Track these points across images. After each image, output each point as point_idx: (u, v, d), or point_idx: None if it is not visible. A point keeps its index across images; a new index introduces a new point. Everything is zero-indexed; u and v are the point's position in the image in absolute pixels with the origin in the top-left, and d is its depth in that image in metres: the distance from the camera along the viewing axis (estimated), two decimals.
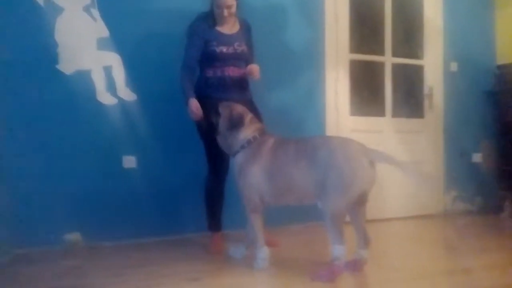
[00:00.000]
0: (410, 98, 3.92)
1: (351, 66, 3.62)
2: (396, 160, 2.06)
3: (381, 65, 3.75)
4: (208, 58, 2.60)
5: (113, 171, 2.81)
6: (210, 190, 2.68)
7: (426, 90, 3.89)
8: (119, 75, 2.87)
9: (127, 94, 2.87)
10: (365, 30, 3.74)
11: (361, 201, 2.04)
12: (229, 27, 2.66)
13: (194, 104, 2.47)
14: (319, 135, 2.42)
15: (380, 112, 3.74)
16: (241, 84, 2.69)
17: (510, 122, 3.77)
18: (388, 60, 3.74)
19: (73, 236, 2.69)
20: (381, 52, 3.73)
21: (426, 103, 3.88)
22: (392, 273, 2.13)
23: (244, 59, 2.69)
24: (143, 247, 2.68)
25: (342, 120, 3.54)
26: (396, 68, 3.78)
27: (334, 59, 3.50)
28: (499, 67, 3.96)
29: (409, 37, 3.91)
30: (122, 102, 2.85)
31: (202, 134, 2.60)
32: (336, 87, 3.52)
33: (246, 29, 2.76)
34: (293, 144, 2.16)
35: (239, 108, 2.35)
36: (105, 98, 2.83)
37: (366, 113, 3.68)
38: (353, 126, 3.58)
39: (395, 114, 3.77)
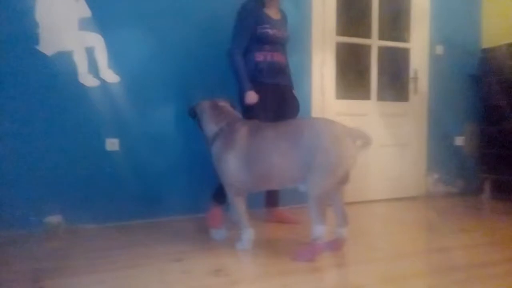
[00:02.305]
0: (396, 81, 3.94)
1: (338, 48, 3.61)
2: (369, 139, 2.06)
3: (367, 48, 3.74)
4: (259, 41, 2.62)
5: (96, 154, 2.78)
6: None
7: (411, 73, 3.91)
8: (102, 56, 2.82)
9: (110, 76, 2.83)
10: (352, 12, 3.73)
11: (342, 181, 2.07)
12: (275, 12, 2.73)
13: (252, 97, 2.56)
14: (300, 118, 2.42)
15: (366, 95, 3.76)
16: (285, 71, 2.78)
17: (493, 106, 3.82)
18: (375, 43, 3.74)
19: (55, 219, 2.67)
20: (367, 34, 3.72)
21: (411, 86, 3.91)
22: (373, 253, 2.18)
23: (285, 45, 2.80)
24: (126, 230, 2.68)
25: (328, 103, 3.55)
26: (382, 51, 3.78)
27: (321, 42, 3.49)
28: (484, 50, 3.99)
29: (396, 20, 3.91)
30: (104, 84, 2.81)
31: (248, 117, 2.58)
32: (322, 70, 3.51)
33: (284, 17, 2.85)
34: (271, 129, 2.15)
35: (203, 104, 2.46)
36: (87, 80, 2.78)
37: (351, 96, 3.69)
38: (338, 109, 3.60)
39: (380, 98, 3.79)
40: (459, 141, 4.07)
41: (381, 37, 3.76)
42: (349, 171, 2.06)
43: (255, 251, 2.17)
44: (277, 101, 2.72)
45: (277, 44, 2.69)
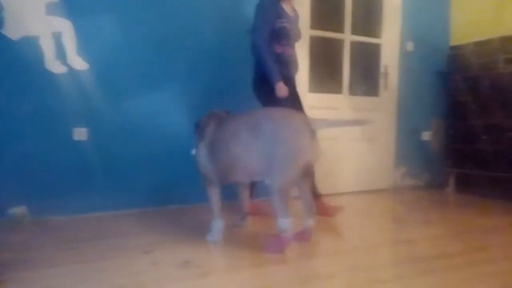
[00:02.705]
0: (367, 76, 4.01)
1: (311, 42, 3.63)
2: (334, 121, 2.10)
3: (340, 42, 3.78)
4: (277, 35, 2.63)
5: (63, 144, 2.70)
6: None
7: (382, 69, 3.98)
8: (70, 42, 2.73)
9: (78, 63, 2.74)
10: (326, 6, 3.75)
11: (306, 173, 2.07)
12: (290, 9, 2.74)
13: (284, 89, 2.56)
14: (261, 109, 2.40)
15: (338, 90, 3.81)
16: (296, 64, 2.83)
17: (459, 102, 3.95)
18: (347, 37, 3.78)
19: (19, 210, 2.59)
20: (340, 29, 3.76)
21: (381, 81, 3.99)
22: (341, 244, 2.23)
23: (296, 42, 2.82)
24: (94, 221, 2.63)
25: (301, 96, 3.56)
26: (354, 46, 3.83)
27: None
28: (452, 48, 4.11)
29: (369, 16, 3.97)
30: (72, 71, 2.72)
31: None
32: None
33: (297, 16, 2.86)
34: (235, 120, 2.14)
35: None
36: (55, 67, 2.69)
37: (324, 90, 3.73)
38: (311, 103, 3.62)
39: (352, 92, 3.85)
40: (426, 135, 4.19)
41: (354, 32, 3.81)
42: (311, 163, 2.05)
43: (226, 242, 2.17)
44: (294, 95, 2.73)
45: (292, 39, 2.73)
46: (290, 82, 2.71)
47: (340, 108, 3.78)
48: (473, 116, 3.81)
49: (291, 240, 2.04)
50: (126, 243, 2.15)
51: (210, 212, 2.26)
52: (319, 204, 2.78)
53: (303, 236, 2.19)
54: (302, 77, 3.56)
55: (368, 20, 3.97)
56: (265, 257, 1.95)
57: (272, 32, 2.62)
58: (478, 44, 3.78)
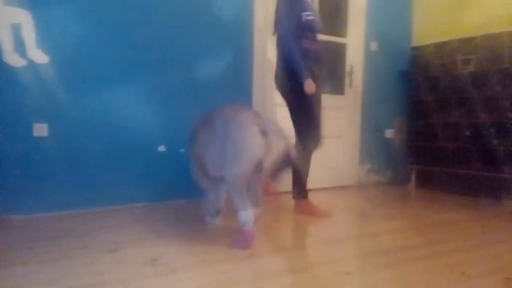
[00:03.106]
0: (333, 75, 4.09)
1: None
2: (283, 136, 2.11)
3: None
4: (304, 29, 2.56)
5: (23, 140, 2.59)
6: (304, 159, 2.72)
7: (347, 68, 4.07)
8: (29, 34, 2.61)
9: (38, 56, 2.63)
10: None
11: (257, 168, 2.12)
12: (310, 0, 2.69)
13: (312, 85, 2.50)
14: (220, 107, 2.40)
15: None
16: (322, 60, 2.78)
17: (420, 101, 4.10)
18: None
19: None
20: None
21: (347, 80, 4.07)
22: (307, 239, 2.27)
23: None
24: (57, 220, 2.54)
25: (269, 94, 3.59)
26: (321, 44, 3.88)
27: (263, 30, 3.51)
28: (414, 48, 4.25)
29: (334, 15, 4.04)
30: (32, 64, 2.61)
31: (304, 105, 2.60)
32: (264, 60, 3.54)
33: (313, 7, 2.79)
34: (205, 117, 2.25)
35: None
36: (13, 60, 2.57)
37: None
38: (279, 100, 3.65)
39: None
40: (389, 133, 4.32)
41: (320, 30, 3.85)
42: (261, 159, 2.12)
43: (195, 239, 2.16)
44: (320, 90, 2.72)
45: (316, 32, 2.68)
46: (317, 79, 2.65)
47: None
48: (433, 114, 3.97)
49: (254, 232, 2.05)
50: (90, 242, 2.09)
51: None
52: (306, 204, 2.80)
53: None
54: (270, 74, 3.58)
55: (334, 20, 4.04)
56: (233, 253, 1.96)
57: (299, 26, 2.55)
58: (438, 45, 3.94)
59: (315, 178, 3.91)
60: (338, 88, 4.07)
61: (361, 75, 4.12)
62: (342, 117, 4.04)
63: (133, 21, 2.91)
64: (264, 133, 2.05)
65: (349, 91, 4.09)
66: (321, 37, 3.80)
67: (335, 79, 4.08)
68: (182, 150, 3.11)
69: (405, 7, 4.38)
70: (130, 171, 2.93)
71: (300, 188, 2.81)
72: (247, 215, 2.01)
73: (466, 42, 3.68)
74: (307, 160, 2.75)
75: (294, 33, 2.53)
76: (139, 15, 2.93)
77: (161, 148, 3.05)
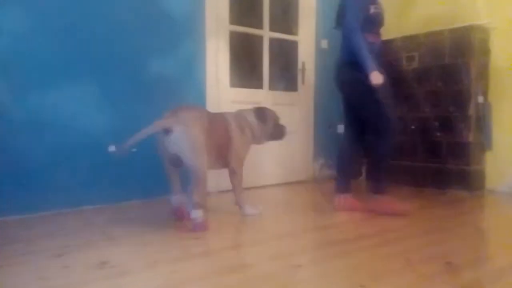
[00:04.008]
0: (286, 72, 4.14)
1: (231, 37, 3.66)
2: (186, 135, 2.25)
3: (259, 38, 3.86)
4: (371, 22, 2.50)
5: None
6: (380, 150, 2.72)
7: (299, 65, 4.14)
8: None
9: None
10: (245, 2, 3.80)
11: (172, 163, 2.38)
12: None
13: (379, 76, 2.44)
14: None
15: (258, 85, 3.88)
16: (382, 55, 2.72)
17: None
18: (266, 34, 3.87)
19: None
20: (259, 25, 3.84)
21: (299, 77, 4.15)
22: (262, 234, 2.28)
23: None
24: (1, 226, 2.40)
25: (222, 91, 3.59)
26: (273, 42, 3.93)
27: (215, 30, 3.49)
28: None
29: (286, 13, 4.09)
30: None
31: (374, 99, 2.54)
32: (217, 58, 3.53)
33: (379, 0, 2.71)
34: None
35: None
36: None
37: (245, 85, 3.78)
38: (233, 97, 3.66)
39: (272, 87, 3.95)
40: (341, 129, 4.44)
41: (272, 28, 3.91)
42: (169, 156, 2.31)
43: (145, 240, 2.12)
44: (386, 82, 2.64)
45: (380, 26, 2.63)
46: (381, 73, 2.59)
47: (262, 103, 3.86)
48: None
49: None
50: (36, 248, 1.99)
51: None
52: (384, 202, 2.74)
53: (182, 213, 2.44)
54: (223, 71, 3.58)
55: (286, 17, 4.09)
56: (186, 252, 1.94)
57: (365, 19, 2.50)
58: (384, 42, 4.06)
59: (269, 174, 3.97)
60: (290, 85, 4.13)
61: (313, 72, 4.20)
62: (295, 114, 4.11)
63: (79, 16, 2.80)
64: (167, 130, 2.23)
65: (302, 88, 4.16)
66: (274, 34, 3.88)
67: (288, 76, 4.14)
68: (134, 150, 3.03)
69: None
70: (79, 173, 2.82)
71: (381, 183, 2.78)
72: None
73: (410, 40, 3.86)
74: (389, 154, 2.78)
75: (360, 27, 2.50)
76: (85, 10, 2.82)
77: (112, 148, 2.95)
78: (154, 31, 3.14)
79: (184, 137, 2.22)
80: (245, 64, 3.89)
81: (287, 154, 4.05)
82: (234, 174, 2.61)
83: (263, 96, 3.88)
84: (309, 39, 4.16)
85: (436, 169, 3.69)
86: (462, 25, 3.53)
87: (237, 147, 2.58)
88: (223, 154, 2.54)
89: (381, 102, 2.57)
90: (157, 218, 2.59)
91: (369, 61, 2.46)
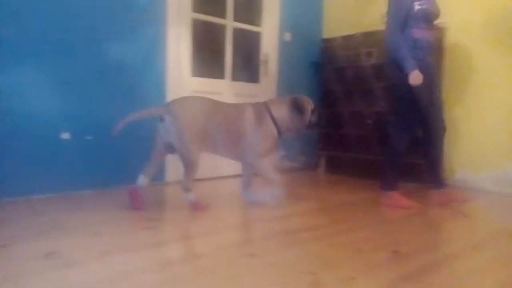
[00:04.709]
0: (248, 63, 4.13)
1: (194, 26, 3.60)
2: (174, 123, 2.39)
3: (222, 28, 3.82)
4: (416, 18, 2.49)
5: None
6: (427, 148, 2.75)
7: (262, 57, 4.14)
8: None
9: None
10: None
11: (168, 150, 2.52)
12: None
13: (418, 76, 2.47)
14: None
15: (220, 75, 3.85)
16: (433, 49, 2.67)
17: (329, 91, 4.33)
18: (230, 23, 3.84)
19: None
20: (223, 15, 3.79)
21: (262, 69, 4.15)
22: (215, 224, 2.28)
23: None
24: None
25: (184, 80, 3.53)
26: (236, 32, 3.91)
27: (176, 17, 3.42)
28: (324, 40, 4.45)
29: (250, 4, 4.07)
30: None
31: (415, 99, 2.57)
32: (178, 46, 3.46)
33: None
34: None
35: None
36: None
37: (207, 75, 3.74)
38: (194, 87, 3.61)
39: (234, 78, 3.93)
40: None
41: (236, 18, 3.88)
42: (166, 144, 2.47)
43: (98, 230, 2.06)
44: (435, 80, 2.67)
45: (431, 21, 2.60)
46: (428, 69, 2.60)
47: (223, 93, 3.84)
48: (341, 104, 4.21)
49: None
50: None
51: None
52: (445, 193, 2.80)
53: (137, 195, 2.51)
54: (185, 60, 3.52)
55: (249, 8, 4.07)
56: (139, 242, 1.91)
57: (410, 16, 2.51)
58: (345, 38, 4.17)
59: (228, 165, 3.95)
60: (253, 76, 4.13)
61: (276, 64, 4.22)
62: None
63: None
64: (161, 118, 2.40)
65: (264, 80, 4.17)
66: (237, 24, 3.85)
67: (250, 67, 4.14)
68: (89, 138, 2.94)
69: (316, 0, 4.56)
70: (28, 160, 2.69)
71: (437, 177, 2.80)
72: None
73: (369, 36, 3.95)
74: (437, 150, 2.75)
75: (402, 24, 2.53)
76: None
77: (65, 135, 2.85)
78: (113, 16, 3.04)
79: (173, 126, 2.36)
80: (208, 53, 3.85)
81: None
82: (254, 168, 2.63)
83: (225, 87, 3.85)
84: (272, 31, 4.16)
85: None
86: None
87: (253, 139, 2.55)
88: (236, 145, 2.54)
89: (419, 102, 2.60)
90: (110, 208, 2.53)
91: (408, 61, 2.50)
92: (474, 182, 3.54)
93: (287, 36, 4.26)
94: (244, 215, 2.55)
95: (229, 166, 3.92)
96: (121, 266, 1.61)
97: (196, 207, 2.48)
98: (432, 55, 2.69)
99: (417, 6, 2.54)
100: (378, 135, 3.91)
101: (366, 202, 3.00)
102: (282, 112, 2.62)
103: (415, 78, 2.50)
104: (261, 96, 4.13)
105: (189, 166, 2.43)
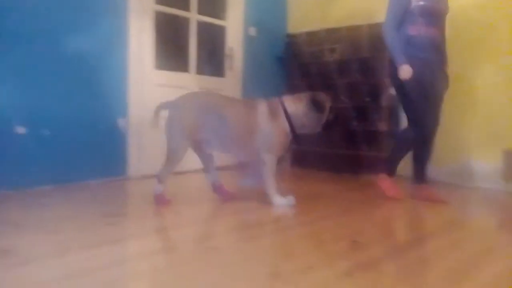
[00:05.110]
0: (213, 57, 4.12)
1: (157, 17, 3.54)
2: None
3: (186, 20, 3.78)
4: (413, 14, 2.46)
5: None
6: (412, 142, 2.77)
7: (227, 51, 4.14)
8: None
9: None
10: None
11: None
12: None
13: (407, 71, 2.51)
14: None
15: (185, 68, 3.82)
16: (439, 46, 2.61)
17: (294, 86, 4.37)
18: (194, 16, 3.80)
19: None
20: (187, 7, 3.76)
21: (227, 63, 4.14)
22: (178, 218, 2.28)
23: (442, 18, 2.60)
24: None
25: (146, 73, 3.47)
26: (201, 25, 3.88)
27: (138, 8, 3.36)
28: (288, 36, 4.50)
29: None
30: None
31: (407, 92, 2.62)
32: (140, 38, 3.40)
33: None
34: None
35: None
36: None
37: (171, 68, 3.70)
38: (158, 80, 3.56)
39: (199, 71, 3.91)
40: None
41: (200, 11, 3.84)
42: None
43: (58, 227, 2.01)
44: (429, 77, 2.60)
45: (433, 17, 2.54)
46: (422, 65, 2.56)
47: (188, 87, 3.80)
48: None
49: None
50: None
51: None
52: (427, 189, 2.82)
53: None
54: (147, 52, 3.46)
55: (214, 1, 4.05)
56: (101, 238, 1.87)
57: (408, 12, 2.51)
58: (309, 34, 4.23)
59: (191, 160, 3.94)
60: (218, 70, 4.12)
61: (241, 58, 4.22)
62: None
63: None
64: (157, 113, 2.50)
65: (229, 74, 4.17)
66: (202, 18, 3.81)
67: (215, 61, 4.12)
68: (46, 132, 2.84)
69: None
70: None
71: (420, 173, 2.84)
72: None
73: (332, 32, 4.02)
74: (424, 146, 2.78)
75: (399, 20, 2.55)
76: None
77: (20, 130, 2.74)
78: (72, 6, 2.94)
79: (167, 120, 2.45)
80: (172, 46, 3.81)
81: None
82: (264, 165, 2.55)
83: (189, 80, 3.82)
84: (237, 25, 4.16)
85: (352, 156, 3.93)
86: (380, 21, 3.73)
87: (265, 136, 2.49)
88: (246, 142, 2.50)
89: (411, 96, 2.64)
90: (69, 204, 2.47)
91: (398, 56, 2.55)
92: (436, 175, 3.69)
93: (252, 31, 4.27)
94: (207, 209, 2.55)
95: (194, 160, 3.90)
96: (81, 263, 1.58)
97: (159, 201, 2.47)
98: (437, 52, 2.64)
99: (414, 2, 2.55)
100: (341, 129, 4.00)
101: (329, 194, 3.08)
102: (297, 108, 2.54)
103: (404, 72, 2.55)
104: (226, 90, 4.12)
105: (170, 158, 2.45)
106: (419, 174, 2.84)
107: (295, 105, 2.55)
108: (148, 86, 3.48)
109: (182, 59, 3.81)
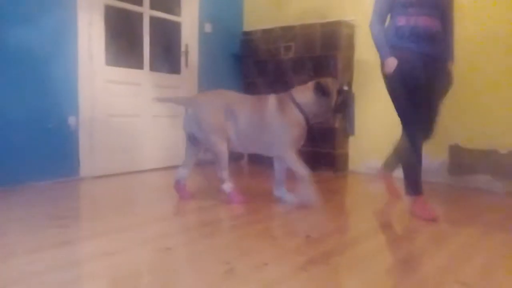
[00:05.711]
0: (168, 53, 4.04)
1: (107, 12, 3.42)
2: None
3: (139, 15, 3.69)
4: (402, 4, 2.29)
5: None
6: (408, 150, 2.44)
7: (183, 47, 4.08)
8: None
9: None
10: None
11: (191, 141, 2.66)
12: None
13: (391, 64, 2.35)
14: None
15: (138, 65, 3.72)
16: (435, 37, 2.36)
17: (251, 83, 4.39)
18: (146, 11, 3.72)
19: None
20: (139, 2, 3.66)
21: (182, 60, 4.08)
22: (130, 219, 2.22)
23: (440, 8, 2.37)
24: None
25: (96, 69, 3.35)
26: (154, 21, 3.79)
27: (87, 2, 3.23)
28: (244, 33, 4.50)
29: None
30: None
31: (392, 87, 2.42)
32: (90, 33, 3.28)
33: None
34: None
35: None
36: None
37: (123, 64, 3.59)
38: (109, 76, 3.45)
39: (153, 68, 3.82)
40: None
41: (153, 6, 3.76)
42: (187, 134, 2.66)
43: (1, 231, 1.90)
44: (426, 73, 2.35)
45: (426, 7, 2.33)
46: (417, 57, 2.34)
47: (142, 84, 3.72)
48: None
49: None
50: None
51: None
52: (420, 201, 2.45)
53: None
54: (97, 48, 3.34)
55: None
56: (47, 241, 1.79)
57: (394, 3, 2.38)
58: (265, 31, 4.25)
59: (151, 158, 3.87)
60: (173, 67, 4.05)
61: (197, 55, 4.18)
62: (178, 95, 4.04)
63: None
64: (186, 110, 2.57)
65: (185, 71, 4.11)
66: (155, 13, 3.73)
67: (171, 57, 4.05)
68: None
69: None
70: None
71: (412, 184, 2.48)
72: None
73: (287, 30, 4.06)
74: (414, 151, 2.43)
75: (384, 13, 2.44)
76: None
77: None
78: None
79: (194, 119, 2.49)
80: (124, 42, 3.69)
81: (169, 137, 3.98)
82: (283, 160, 2.57)
83: (144, 77, 3.73)
84: (192, 21, 4.10)
85: (308, 153, 3.99)
86: (332, 20, 3.84)
87: (278, 129, 2.47)
88: (260, 138, 2.51)
89: (397, 91, 2.41)
90: (15, 207, 2.34)
91: (382, 50, 2.41)
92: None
93: (208, 27, 4.24)
94: (163, 209, 2.50)
95: (150, 159, 3.83)
96: (25, 267, 1.51)
97: (233, 199, 2.58)
98: (432, 43, 2.38)
99: None
100: None
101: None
102: (306, 97, 2.51)
103: (388, 65, 2.39)
104: (182, 87, 4.08)
105: (217, 157, 2.52)
106: (416, 184, 2.48)
107: (304, 94, 2.54)
108: (99, 83, 3.37)
109: (135, 56, 3.71)
